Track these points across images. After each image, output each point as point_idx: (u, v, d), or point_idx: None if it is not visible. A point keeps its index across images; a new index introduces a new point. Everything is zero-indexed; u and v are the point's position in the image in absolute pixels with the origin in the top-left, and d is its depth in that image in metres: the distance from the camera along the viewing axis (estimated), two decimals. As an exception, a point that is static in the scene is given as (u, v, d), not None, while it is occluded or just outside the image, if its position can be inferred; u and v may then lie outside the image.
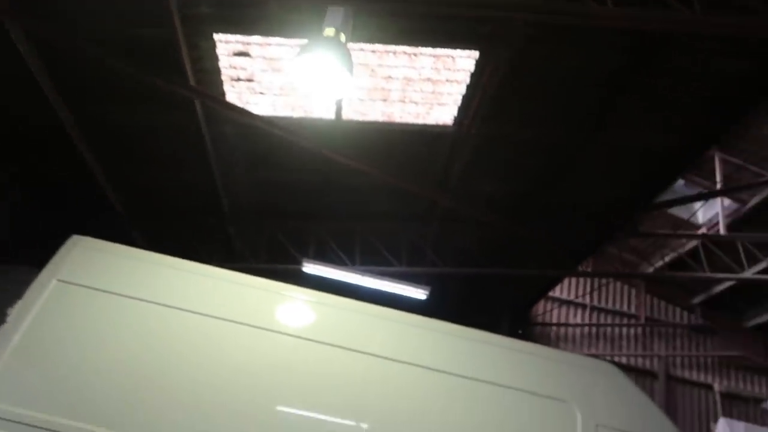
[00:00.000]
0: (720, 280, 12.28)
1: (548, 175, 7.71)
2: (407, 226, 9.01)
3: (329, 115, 7.01)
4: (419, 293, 8.86)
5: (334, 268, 8.77)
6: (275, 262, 9.22)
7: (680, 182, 10.59)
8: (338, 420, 4.27)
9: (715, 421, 12.87)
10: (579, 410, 4.37)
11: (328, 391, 4.28)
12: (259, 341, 4.32)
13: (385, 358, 4.47)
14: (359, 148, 7.20)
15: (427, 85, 6.55)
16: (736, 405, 13.84)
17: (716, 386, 13.98)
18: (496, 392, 4.43)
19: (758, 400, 13.93)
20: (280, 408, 4.23)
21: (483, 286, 10.36)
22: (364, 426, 4.27)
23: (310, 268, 8.76)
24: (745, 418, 13.24)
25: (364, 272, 8.78)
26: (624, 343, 14.28)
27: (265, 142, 7.35)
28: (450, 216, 8.55)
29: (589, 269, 12.81)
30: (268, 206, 9.15)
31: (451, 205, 8.03)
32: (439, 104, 6.82)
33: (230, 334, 4.30)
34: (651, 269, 12.08)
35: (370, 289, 8.59)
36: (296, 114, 7.02)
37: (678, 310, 14.70)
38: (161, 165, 8.20)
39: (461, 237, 9.13)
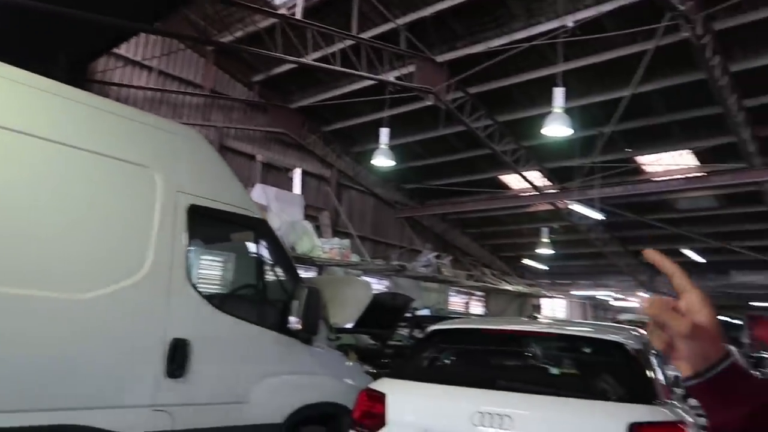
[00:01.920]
0: (281, 62, 13.30)
1: None
2: None
3: None
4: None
5: None
6: None
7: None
8: None
9: (254, 185, 14.84)
10: (160, 176, 4.16)
11: None
12: None
13: None
14: None
15: None
16: (271, 173, 16.18)
17: (259, 157, 15.91)
18: (64, 153, 3.78)
19: (288, 170, 16.64)
20: None
21: (38, 25, 8.42)
22: None
23: None
24: (277, 184, 15.69)
25: None
26: (186, 110, 14.41)
27: None
28: None
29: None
30: None
31: None
32: None
33: None
34: (226, 40, 12.10)
35: None
36: None
37: (239, 86, 15.53)
38: None
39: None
